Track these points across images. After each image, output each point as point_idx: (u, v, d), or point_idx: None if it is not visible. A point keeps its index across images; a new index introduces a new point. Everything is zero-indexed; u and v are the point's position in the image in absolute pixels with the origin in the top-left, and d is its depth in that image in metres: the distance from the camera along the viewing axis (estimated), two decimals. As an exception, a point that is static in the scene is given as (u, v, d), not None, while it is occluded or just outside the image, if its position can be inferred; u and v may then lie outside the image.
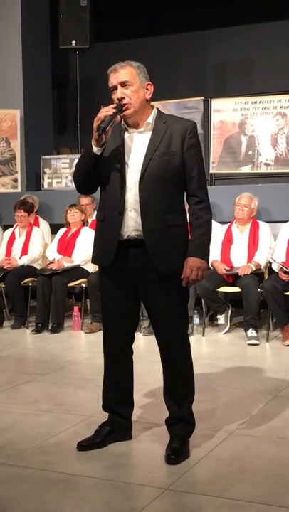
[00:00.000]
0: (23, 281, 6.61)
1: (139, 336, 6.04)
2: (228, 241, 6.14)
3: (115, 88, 3.01)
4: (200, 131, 7.48)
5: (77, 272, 6.51)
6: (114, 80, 3.00)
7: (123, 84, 2.99)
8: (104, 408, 3.34)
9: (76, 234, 6.68)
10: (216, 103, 7.41)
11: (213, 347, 5.65)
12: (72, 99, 8.79)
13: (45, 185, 8.00)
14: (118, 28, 9.75)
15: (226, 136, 7.32)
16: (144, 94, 3.04)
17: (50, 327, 6.31)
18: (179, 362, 3.18)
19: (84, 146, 8.72)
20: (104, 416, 3.34)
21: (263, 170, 7.18)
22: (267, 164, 7.16)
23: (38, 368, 4.99)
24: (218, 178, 7.68)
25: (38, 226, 7.13)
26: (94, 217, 7.19)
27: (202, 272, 3.02)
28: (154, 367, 4.81)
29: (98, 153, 3.04)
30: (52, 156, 8.12)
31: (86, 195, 7.23)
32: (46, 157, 8.03)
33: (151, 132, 3.05)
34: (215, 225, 6.53)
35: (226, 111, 7.35)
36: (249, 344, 5.58)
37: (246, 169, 7.29)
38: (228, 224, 6.32)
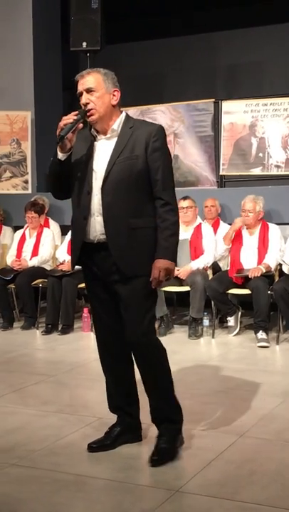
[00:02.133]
0: (34, 283, 6.63)
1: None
2: (238, 243, 6.14)
3: (81, 94, 3.08)
4: (210, 132, 7.51)
5: (87, 273, 6.51)
6: (80, 86, 3.09)
7: (88, 91, 3.07)
8: (112, 409, 3.35)
9: (86, 235, 6.68)
10: (227, 105, 7.42)
11: (222, 349, 5.65)
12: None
13: (56, 187, 8.00)
14: (129, 30, 9.75)
15: (236, 138, 7.33)
16: (110, 100, 3.09)
17: (60, 328, 6.33)
18: (144, 362, 3.20)
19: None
20: (114, 417, 3.34)
21: (274, 172, 7.18)
22: (277, 166, 7.16)
23: (48, 369, 5.00)
24: (229, 180, 7.68)
25: (49, 227, 7.15)
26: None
27: (170, 273, 3.07)
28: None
29: (62, 159, 3.11)
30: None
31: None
32: (56, 159, 8.04)
33: (116, 138, 3.11)
34: (224, 227, 6.58)
35: (236, 113, 7.35)
36: (259, 346, 5.57)
37: (256, 171, 7.28)
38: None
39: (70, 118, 3.03)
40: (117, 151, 3.08)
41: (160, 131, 3.12)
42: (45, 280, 6.57)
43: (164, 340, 5.88)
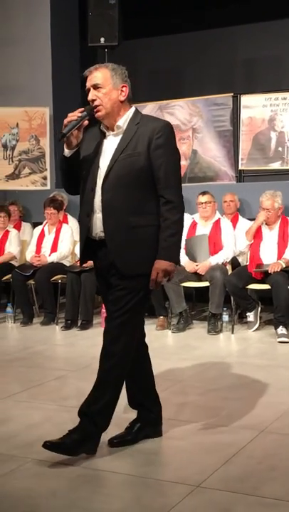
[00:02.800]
0: (53, 278, 6.65)
1: (167, 333, 6.05)
2: (257, 238, 6.10)
3: (89, 90, 3.06)
4: (229, 127, 7.47)
5: (106, 269, 6.52)
6: (88, 82, 3.07)
7: (95, 87, 3.04)
8: (132, 405, 3.35)
9: (105, 231, 6.68)
10: (245, 99, 7.37)
11: (242, 344, 5.62)
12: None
13: (74, 183, 8.02)
14: (146, 25, 9.72)
15: (255, 132, 7.28)
16: (118, 96, 3.05)
17: (79, 324, 6.34)
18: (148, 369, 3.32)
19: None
20: (133, 413, 3.34)
21: (293, 166, 7.13)
22: (297, 160, 7.10)
23: (68, 364, 5.02)
24: (248, 174, 7.64)
25: (67, 223, 7.16)
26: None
27: (169, 274, 3.02)
28: (184, 364, 4.83)
29: (68, 156, 3.10)
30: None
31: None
32: (75, 155, 8.05)
33: (122, 135, 3.08)
34: (243, 222, 6.54)
35: (255, 107, 7.30)
36: (279, 342, 5.53)
37: (276, 165, 7.24)
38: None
39: (74, 115, 3.02)
40: (120, 148, 3.05)
41: (165, 128, 3.06)
42: (65, 276, 6.59)
43: (183, 335, 5.95)
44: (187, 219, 6.74)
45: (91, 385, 3.22)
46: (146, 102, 7.92)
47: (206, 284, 6.09)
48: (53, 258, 6.79)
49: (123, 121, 3.09)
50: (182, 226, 3.08)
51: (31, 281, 6.74)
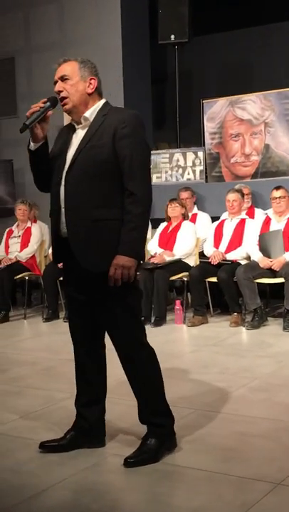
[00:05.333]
0: (126, 276, 6.68)
1: (242, 330, 5.98)
2: (265, 231, 6.09)
3: (56, 83, 3.01)
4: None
5: (179, 265, 6.52)
6: (56, 75, 3.01)
7: (62, 79, 2.98)
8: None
9: (177, 228, 6.69)
10: None
11: None
12: (171, 93, 8.80)
13: (146, 180, 8.04)
14: (217, 20, 9.67)
15: None
16: (85, 87, 2.98)
17: (152, 320, 6.36)
18: (138, 371, 3.13)
19: (183, 141, 8.72)
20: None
21: None
22: None
23: (143, 360, 5.03)
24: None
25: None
26: (194, 211, 7.20)
27: (128, 271, 2.86)
28: (259, 361, 4.77)
29: (33, 149, 3.05)
30: (152, 152, 8.16)
31: (186, 189, 7.25)
32: (146, 152, 8.07)
33: (88, 126, 3.00)
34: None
35: None
36: None
37: None
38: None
39: (36, 107, 2.97)
40: (85, 140, 2.96)
41: (131, 118, 2.94)
42: (137, 273, 6.59)
43: (258, 332, 5.88)
44: (260, 214, 6.67)
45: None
46: (217, 98, 7.87)
47: (280, 280, 5.99)
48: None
49: (90, 112, 2.99)
50: (145, 220, 2.91)
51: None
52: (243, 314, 6.23)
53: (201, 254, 6.65)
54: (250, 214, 6.75)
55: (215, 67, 10.00)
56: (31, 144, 3.04)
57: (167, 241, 6.67)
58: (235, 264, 6.23)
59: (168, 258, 6.49)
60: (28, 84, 9.08)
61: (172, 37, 8.02)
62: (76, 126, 3.05)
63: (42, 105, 2.98)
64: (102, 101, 3.05)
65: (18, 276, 7.06)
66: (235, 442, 3.21)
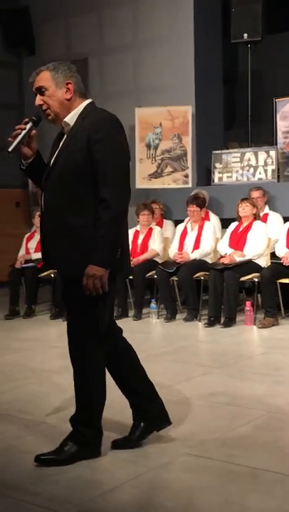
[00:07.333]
0: (195, 275, 6.70)
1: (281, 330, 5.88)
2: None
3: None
4: None
5: (250, 266, 6.47)
6: (33, 88, 2.97)
7: (39, 91, 2.94)
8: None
9: (248, 228, 6.64)
10: None
11: None
12: (242, 92, 8.74)
13: (216, 180, 8.03)
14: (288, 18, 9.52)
15: None
16: (63, 94, 2.93)
17: (222, 321, 6.33)
18: (75, 373, 3.02)
19: (254, 140, 8.65)
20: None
21: None
22: None
23: (213, 360, 5.03)
24: None
25: (209, 220, 7.18)
26: (265, 211, 7.13)
27: (99, 280, 2.78)
28: None
29: (24, 168, 3.06)
30: (223, 151, 8.12)
31: (257, 189, 7.19)
32: (217, 152, 8.06)
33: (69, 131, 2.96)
34: None
35: None
36: None
37: None
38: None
39: (18, 130, 2.95)
40: (64, 145, 2.94)
41: (103, 122, 2.87)
42: (207, 273, 6.60)
43: None
44: None
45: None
46: (291, 97, 7.78)
47: None
48: (196, 255, 6.84)
49: (70, 117, 2.95)
50: (115, 227, 2.81)
51: (174, 278, 6.83)
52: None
53: (273, 255, 6.58)
54: None
55: (288, 65, 9.85)
56: (22, 162, 3.08)
57: (238, 241, 6.62)
58: (308, 265, 6.14)
59: (238, 259, 6.45)
60: (101, 85, 9.20)
61: (245, 35, 7.96)
62: (63, 132, 3.02)
63: (24, 126, 2.97)
64: (85, 102, 2.98)
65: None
66: (310, 446, 3.17)
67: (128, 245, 3.11)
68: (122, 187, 2.85)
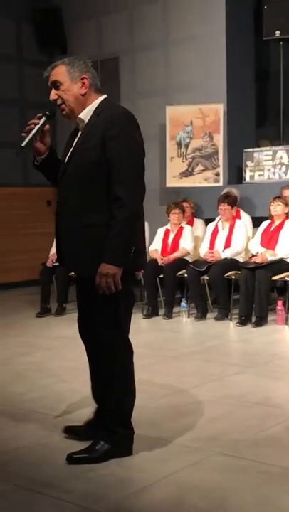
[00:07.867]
0: (227, 274, 6.66)
1: None
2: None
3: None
4: None
5: (281, 265, 6.42)
6: (48, 82, 2.94)
7: (54, 86, 2.91)
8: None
9: (280, 227, 6.58)
10: None
11: None
12: (275, 90, 8.67)
13: (247, 178, 7.99)
14: None
15: None
16: (78, 89, 2.89)
17: (253, 320, 6.29)
18: (103, 373, 3.02)
19: (286, 138, 8.58)
20: None
21: None
22: None
23: (245, 360, 5.01)
24: None
25: (240, 219, 7.14)
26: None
27: (111, 279, 2.75)
28: None
29: (38, 163, 3.04)
30: (254, 149, 8.07)
31: (287, 188, 7.13)
32: (248, 150, 8.01)
33: (84, 127, 2.91)
34: None
35: None
36: None
37: None
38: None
39: (31, 125, 2.93)
40: (78, 142, 2.90)
41: (119, 118, 2.82)
42: (238, 272, 6.57)
43: None
44: None
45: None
46: None
47: None
48: (227, 254, 6.80)
49: (85, 113, 2.91)
50: (129, 226, 2.77)
51: (205, 277, 6.81)
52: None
53: (305, 254, 6.52)
54: None
55: None
56: (36, 158, 3.07)
57: (269, 240, 6.57)
58: None
59: (270, 258, 6.40)
60: (132, 84, 9.21)
61: (277, 33, 7.90)
62: (78, 128, 2.99)
63: (37, 121, 2.96)
64: (100, 98, 2.95)
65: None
66: None
67: (144, 243, 3.06)
68: (136, 185, 2.80)
